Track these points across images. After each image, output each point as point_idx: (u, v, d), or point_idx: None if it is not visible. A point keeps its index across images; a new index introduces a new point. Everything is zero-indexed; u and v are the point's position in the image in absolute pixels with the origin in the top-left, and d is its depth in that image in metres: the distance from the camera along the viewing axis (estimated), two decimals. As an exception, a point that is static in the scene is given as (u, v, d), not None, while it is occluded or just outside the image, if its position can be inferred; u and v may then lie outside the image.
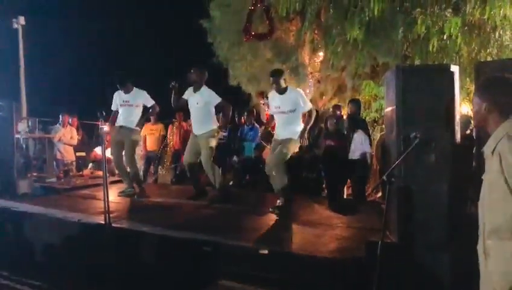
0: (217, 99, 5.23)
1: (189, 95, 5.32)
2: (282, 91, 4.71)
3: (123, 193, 5.66)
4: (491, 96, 1.97)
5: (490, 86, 2.03)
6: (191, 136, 5.45)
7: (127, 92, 5.66)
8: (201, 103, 5.19)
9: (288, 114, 4.69)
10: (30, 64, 14.38)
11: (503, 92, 1.96)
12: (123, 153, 5.73)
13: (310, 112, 4.75)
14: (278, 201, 4.69)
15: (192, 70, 5.23)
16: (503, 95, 1.95)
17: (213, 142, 5.26)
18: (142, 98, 5.70)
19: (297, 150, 4.90)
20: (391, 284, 2.71)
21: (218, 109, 5.40)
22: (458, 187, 3.01)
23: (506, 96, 1.95)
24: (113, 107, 5.82)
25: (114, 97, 5.79)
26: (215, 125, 5.31)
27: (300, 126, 4.74)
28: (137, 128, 5.77)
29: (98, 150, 8.86)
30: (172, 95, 5.27)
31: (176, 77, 5.34)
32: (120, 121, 5.69)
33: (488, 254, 1.91)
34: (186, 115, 8.65)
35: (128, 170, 5.77)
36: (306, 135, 4.75)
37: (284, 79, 4.72)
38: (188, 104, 5.34)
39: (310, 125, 4.83)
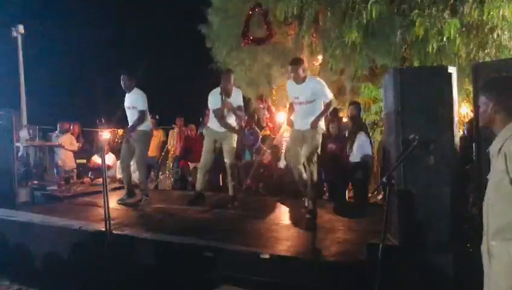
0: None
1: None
2: (300, 81, 4.48)
3: (122, 201, 5.58)
4: (498, 97, 1.96)
5: (498, 86, 2.02)
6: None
7: (128, 92, 5.56)
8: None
9: (307, 104, 4.49)
10: (30, 73, 14.41)
11: (510, 92, 1.96)
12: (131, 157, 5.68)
13: (329, 102, 4.55)
14: (307, 203, 4.53)
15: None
16: (510, 95, 1.95)
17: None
18: (136, 99, 5.53)
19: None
20: (392, 286, 2.70)
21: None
22: (459, 188, 3.01)
23: None
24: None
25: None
26: (145, 128, 5.55)
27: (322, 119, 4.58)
28: (146, 129, 5.62)
29: (95, 158, 8.84)
30: None
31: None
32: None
33: (492, 255, 1.90)
34: (187, 120, 8.70)
35: (136, 174, 5.73)
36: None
37: (303, 69, 4.49)
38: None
39: (324, 115, 4.60)
